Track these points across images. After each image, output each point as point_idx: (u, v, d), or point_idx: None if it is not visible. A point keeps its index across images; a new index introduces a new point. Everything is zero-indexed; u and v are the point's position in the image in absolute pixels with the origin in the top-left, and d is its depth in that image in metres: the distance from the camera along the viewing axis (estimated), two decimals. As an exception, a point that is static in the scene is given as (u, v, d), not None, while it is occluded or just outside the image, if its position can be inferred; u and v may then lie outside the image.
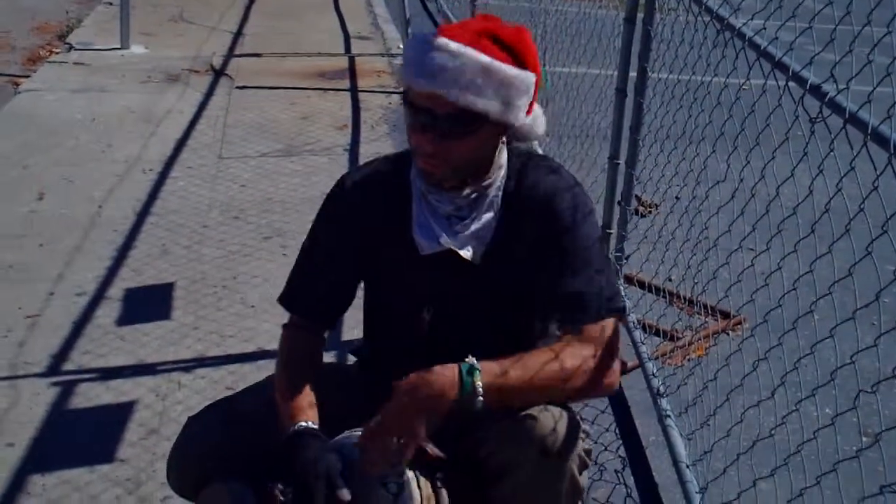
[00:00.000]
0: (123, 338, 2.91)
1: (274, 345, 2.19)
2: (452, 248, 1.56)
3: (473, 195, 1.57)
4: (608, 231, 3.13)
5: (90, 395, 2.61)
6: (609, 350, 1.51)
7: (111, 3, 7.26)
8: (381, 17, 7.63)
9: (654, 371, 2.65)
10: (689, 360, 2.89)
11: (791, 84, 1.86)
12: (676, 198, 2.83)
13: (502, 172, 1.60)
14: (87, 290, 3.18)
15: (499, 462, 1.47)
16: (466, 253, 1.57)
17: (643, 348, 2.79)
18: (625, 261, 3.20)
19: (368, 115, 5.18)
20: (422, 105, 1.46)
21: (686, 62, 2.58)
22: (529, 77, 1.50)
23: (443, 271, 1.60)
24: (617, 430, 2.59)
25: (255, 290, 3.21)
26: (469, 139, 1.48)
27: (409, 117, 1.51)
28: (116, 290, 3.19)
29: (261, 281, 3.26)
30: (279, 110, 5.21)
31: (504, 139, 1.59)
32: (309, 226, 1.73)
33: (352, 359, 1.87)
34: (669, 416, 2.43)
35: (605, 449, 2.50)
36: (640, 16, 2.84)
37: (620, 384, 2.75)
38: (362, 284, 1.76)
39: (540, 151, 1.71)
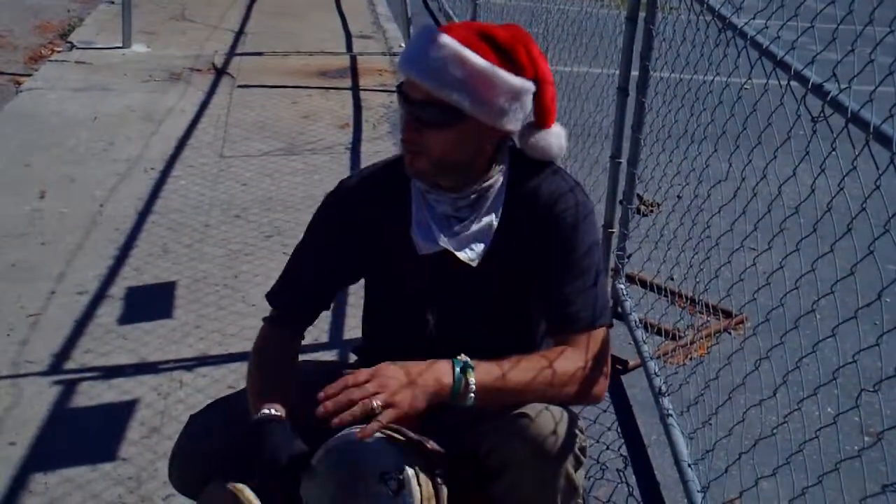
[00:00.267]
0: (125, 336, 2.91)
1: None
2: (450, 249, 1.56)
3: (474, 196, 1.57)
4: (610, 230, 3.13)
5: (92, 394, 2.61)
6: (599, 360, 1.53)
7: (113, 2, 7.27)
8: (382, 15, 7.64)
9: (656, 370, 2.65)
10: (690, 359, 2.89)
11: (793, 83, 1.86)
12: (678, 197, 2.82)
13: (502, 175, 1.60)
14: (88, 289, 3.19)
15: (497, 459, 1.48)
16: (464, 255, 1.57)
17: (645, 347, 2.79)
18: (627, 260, 3.20)
19: (370, 114, 5.18)
20: (405, 93, 1.51)
21: (688, 61, 2.58)
22: (518, 82, 1.49)
23: (443, 272, 1.60)
24: (619, 429, 2.59)
25: (257, 288, 3.21)
26: (444, 132, 1.49)
27: (399, 105, 1.56)
28: (118, 289, 3.20)
29: (262, 280, 3.26)
30: (281, 109, 5.21)
31: (504, 144, 1.59)
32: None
33: (353, 358, 1.87)
34: (671, 415, 2.43)
35: (607, 448, 2.50)
36: (642, 15, 2.84)
37: (623, 385, 2.77)
38: (363, 285, 1.76)
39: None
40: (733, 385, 2.15)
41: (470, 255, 1.57)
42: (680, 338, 2.99)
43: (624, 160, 3.05)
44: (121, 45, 6.18)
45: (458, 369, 1.40)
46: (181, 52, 6.23)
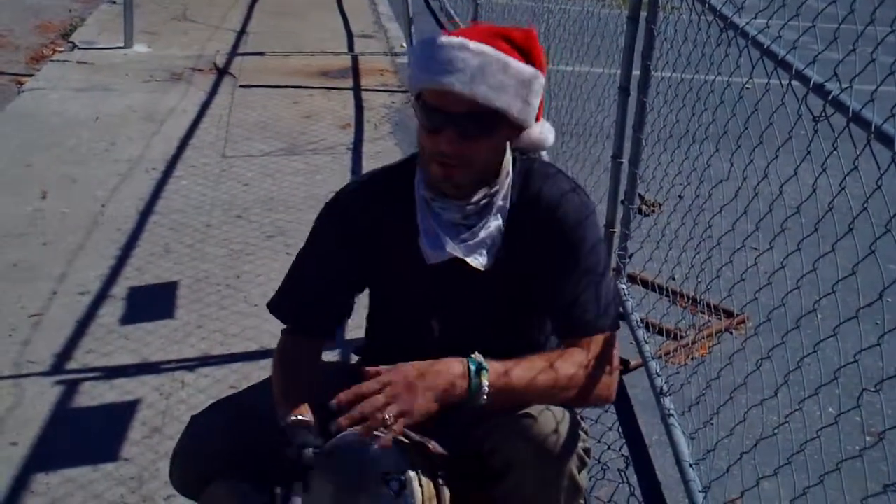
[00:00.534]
0: (127, 337, 2.92)
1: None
2: (460, 256, 1.56)
3: (483, 202, 1.57)
4: (612, 230, 3.13)
5: (94, 394, 2.62)
6: (606, 363, 1.53)
7: (114, 2, 7.28)
8: (384, 15, 7.63)
9: (658, 370, 2.65)
10: (692, 359, 2.89)
11: (794, 83, 1.86)
12: (680, 196, 2.82)
13: (509, 180, 1.59)
14: (90, 289, 3.19)
15: (501, 459, 1.48)
16: (474, 261, 1.56)
17: (646, 347, 2.79)
18: (628, 260, 3.20)
19: (371, 114, 5.18)
20: (439, 105, 1.45)
21: (689, 61, 2.58)
22: (542, 77, 1.51)
23: (450, 280, 1.60)
24: (620, 430, 2.59)
25: (259, 288, 3.21)
26: (487, 139, 1.48)
27: (424, 120, 1.49)
28: (120, 289, 3.20)
29: (264, 280, 3.27)
30: (282, 109, 5.21)
31: (510, 145, 1.59)
32: (312, 224, 1.73)
33: (355, 358, 1.87)
34: (672, 415, 2.43)
35: (609, 448, 2.50)
36: (643, 14, 2.84)
37: (624, 384, 2.77)
38: (366, 292, 1.75)
39: (546, 157, 1.71)
40: (735, 385, 2.15)
41: (480, 260, 1.57)
42: (681, 338, 2.99)
43: (625, 160, 3.05)
44: (122, 45, 6.18)
45: (472, 370, 1.40)
46: (183, 52, 6.23)
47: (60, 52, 6.15)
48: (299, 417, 1.49)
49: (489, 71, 1.42)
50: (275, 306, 1.71)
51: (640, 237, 3.20)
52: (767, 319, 2.18)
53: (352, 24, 7.29)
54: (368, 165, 4.30)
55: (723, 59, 2.30)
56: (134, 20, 6.19)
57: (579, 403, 1.52)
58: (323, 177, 4.24)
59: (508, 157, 1.59)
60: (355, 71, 6.02)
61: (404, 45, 6.52)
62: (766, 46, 1.99)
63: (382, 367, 1.39)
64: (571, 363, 1.49)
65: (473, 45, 1.43)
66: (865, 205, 1.59)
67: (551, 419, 1.45)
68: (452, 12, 6.75)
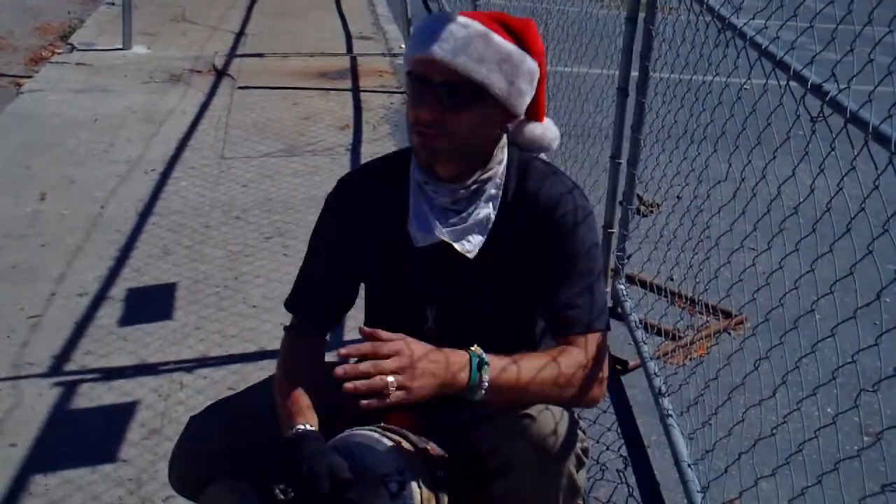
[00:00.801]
0: (125, 338, 2.92)
1: (276, 345, 2.19)
2: (447, 240, 1.56)
3: (473, 187, 1.57)
4: (610, 231, 3.13)
5: (92, 396, 2.62)
6: (597, 363, 1.53)
7: (113, 4, 7.28)
8: (382, 16, 7.64)
9: (656, 370, 2.65)
10: (690, 359, 2.89)
11: (792, 83, 1.86)
12: (678, 197, 2.82)
13: (502, 168, 1.60)
14: (89, 291, 3.19)
15: (499, 459, 1.48)
16: (461, 246, 1.57)
17: (645, 348, 2.79)
18: (626, 260, 3.20)
19: (370, 115, 5.18)
20: (423, 74, 1.48)
21: (687, 61, 2.58)
22: (533, 63, 1.52)
23: (440, 266, 1.60)
24: (619, 430, 2.59)
25: (258, 290, 3.21)
26: (467, 112, 1.49)
27: (409, 91, 1.52)
28: (118, 291, 3.20)
29: (263, 281, 3.27)
30: (281, 110, 5.22)
31: (505, 132, 1.59)
32: (310, 225, 1.73)
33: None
34: (671, 416, 2.44)
35: (607, 448, 2.50)
36: (641, 15, 2.84)
37: (622, 384, 2.77)
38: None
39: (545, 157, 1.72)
40: (733, 385, 2.15)
41: (467, 246, 1.57)
42: (680, 338, 2.99)
43: (623, 161, 3.05)
44: (121, 46, 6.18)
45: (474, 364, 1.40)
46: (181, 53, 6.23)
47: (59, 53, 6.16)
48: (306, 427, 1.47)
49: (473, 43, 1.45)
50: (289, 303, 1.72)
51: (638, 238, 3.20)
52: (766, 320, 2.19)
53: (350, 25, 7.29)
54: (367, 166, 4.29)
55: (721, 59, 2.30)
56: (133, 22, 6.20)
57: (570, 402, 1.52)
58: (322, 178, 4.24)
59: (503, 146, 1.60)
60: (354, 72, 6.03)
61: (403, 46, 6.52)
62: (764, 47, 2.00)
63: (394, 334, 1.38)
64: (571, 363, 1.49)
65: (461, 18, 1.47)
66: (863, 205, 1.59)
67: (550, 419, 1.45)
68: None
